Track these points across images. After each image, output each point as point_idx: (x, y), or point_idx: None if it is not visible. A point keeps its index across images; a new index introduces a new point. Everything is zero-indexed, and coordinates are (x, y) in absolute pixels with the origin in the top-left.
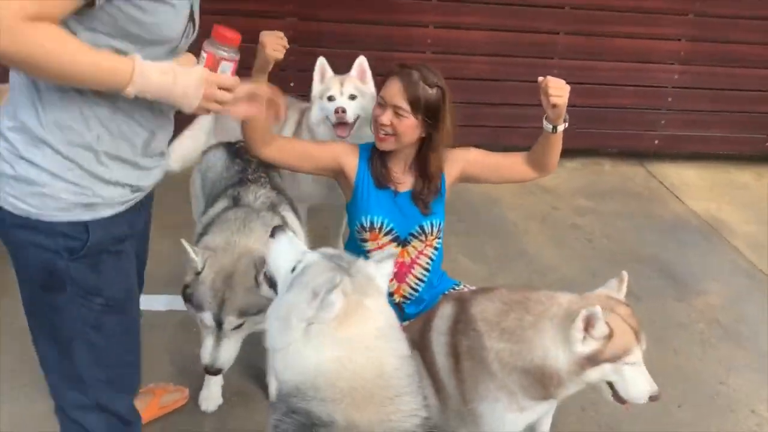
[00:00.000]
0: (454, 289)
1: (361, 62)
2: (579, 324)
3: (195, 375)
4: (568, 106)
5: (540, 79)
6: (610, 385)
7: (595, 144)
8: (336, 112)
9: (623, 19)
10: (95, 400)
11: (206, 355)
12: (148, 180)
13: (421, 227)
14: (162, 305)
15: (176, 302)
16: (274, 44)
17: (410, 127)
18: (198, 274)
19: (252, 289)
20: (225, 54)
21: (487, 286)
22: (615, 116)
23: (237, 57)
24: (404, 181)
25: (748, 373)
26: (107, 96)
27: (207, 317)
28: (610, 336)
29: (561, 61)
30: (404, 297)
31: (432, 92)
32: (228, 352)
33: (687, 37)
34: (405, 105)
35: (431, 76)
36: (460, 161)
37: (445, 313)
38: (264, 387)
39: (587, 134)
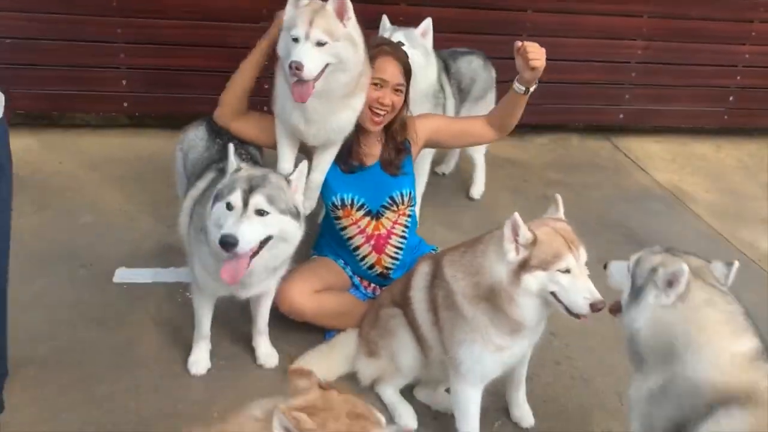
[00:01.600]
0: (432, 252)
1: None
2: (506, 233)
3: (182, 344)
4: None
5: (517, 43)
6: (558, 299)
7: (563, 120)
8: (290, 67)
9: None
10: None
11: (228, 226)
12: None
13: (392, 198)
14: (148, 278)
15: (161, 275)
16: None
17: (402, 100)
18: (236, 171)
19: (283, 189)
20: None
21: None
22: (582, 92)
23: None
24: (371, 153)
25: None
26: None
27: (236, 196)
28: (534, 242)
29: (529, 38)
30: (386, 268)
31: (408, 60)
32: (248, 229)
33: (649, 14)
34: (403, 80)
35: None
36: (426, 130)
37: (422, 271)
38: (251, 351)
39: (555, 110)
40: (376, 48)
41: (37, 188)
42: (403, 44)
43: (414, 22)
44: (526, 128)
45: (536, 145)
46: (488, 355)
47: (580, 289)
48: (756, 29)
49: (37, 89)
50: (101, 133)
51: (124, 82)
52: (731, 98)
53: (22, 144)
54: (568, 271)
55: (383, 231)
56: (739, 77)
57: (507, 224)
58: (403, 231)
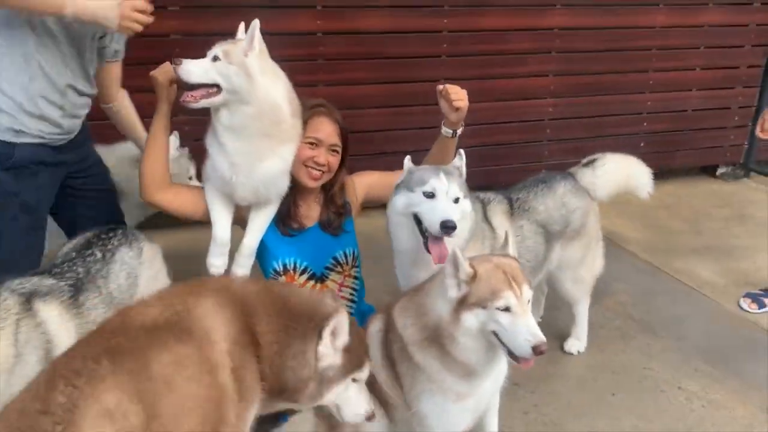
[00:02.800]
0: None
1: (254, 26)
2: (448, 269)
3: None
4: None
5: (439, 87)
6: (500, 340)
7: (488, 181)
8: (175, 63)
9: (497, 61)
10: None
11: None
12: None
13: (335, 259)
14: None
15: None
16: (164, 71)
17: (338, 160)
18: None
19: None
20: None
21: None
22: (502, 153)
23: None
24: (309, 215)
25: (667, 355)
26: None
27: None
28: (474, 277)
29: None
30: None
31: (343, 123)
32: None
33: (554, 72)
34: (339, 141)
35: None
36: (363, 187)
37: (374, 330)
38: None
39: (479, 173)
40: (312, 108)
41: None
42: (458, 199)
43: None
44: None
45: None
46: (451, 405)
47: (520, 330)
48: (653, 78)
49: None
50: None
51: None
52: (642, 144)
53: None
54: (508, 309)
55: None
56: (645, 123)
57: (448, 259)
58: (351, 294)
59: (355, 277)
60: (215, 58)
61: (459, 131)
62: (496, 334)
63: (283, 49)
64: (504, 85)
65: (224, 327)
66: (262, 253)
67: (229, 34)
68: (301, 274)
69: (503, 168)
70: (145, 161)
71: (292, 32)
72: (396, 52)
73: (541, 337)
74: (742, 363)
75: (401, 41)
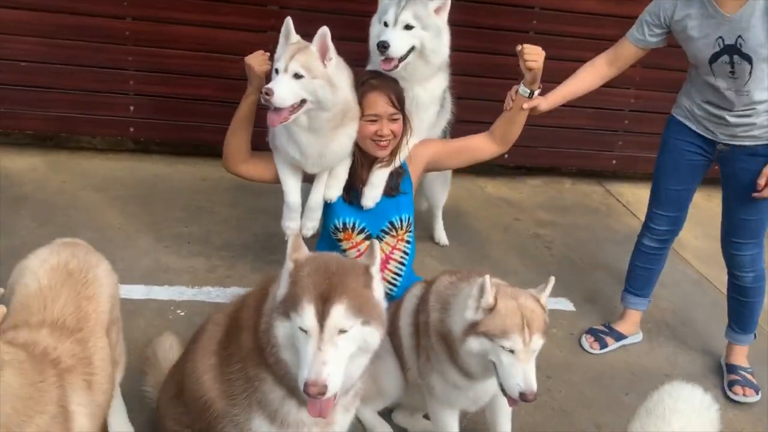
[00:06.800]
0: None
1: (324, 34)
2: (474, 291)
3: None
4: (531, 125)
5: (518, 46)
6: (496, 371)
7: (556, 163)
8: (263, 92)
9: (585, 45)
10: None
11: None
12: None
13: (391, 223)
14: (140, 294)
15: (154, 292)
16: (260, 62)
17: (401, 125)
18: None
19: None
20: None
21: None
22: (574, 136)
23: None
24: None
25: (692, 368)
26: None
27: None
28: (491, 309)
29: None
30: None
31: (397, 85)
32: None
33: (641, 64)
34: (396, 108)
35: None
36: (423, 157)
37: (413, 294)
38: None
39: (548, 153)
40: (363, 85)
41: (40, 206)
42: (411, 26)
43: None
44: (520, 170)
45: (529, 186)
46: (451, 389)
47: (516, 373)
48: None
49: (47, 111)
50: (106, 157)
51: (131, 107)
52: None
53: (29, 163)
54: (512, 351)
55: (382, 255)
56: None
57: (476, 283)
58: (402, 257)
59: (408, 242)
60: (297, 76)
61: (537, 92)
62: (493, 364)
63: None
64: None
65: None
66: (326, 208)
67: None
68: (359, 233)
69: (574, 151)
70: (232, 138)
71: None
72: (489, 23)
73: (532, 387)
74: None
75: (492, 12)
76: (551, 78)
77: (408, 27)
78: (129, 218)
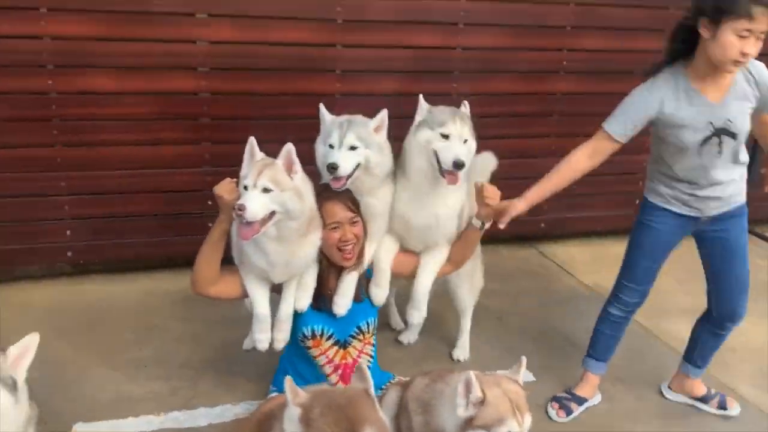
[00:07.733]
0: (390, 382)
1: (289, 150)
2: (460, 389)
3: None
4: None
5: (477, 182)
6: None
7: (490, 233)
8: (235, 208)
9: (501, 123)
10: None
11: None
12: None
13: (359, 328)
14: (107, 430)
15: (120, 426)
16: (229, 190)
17: (362, 227)
18: None
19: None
20: None
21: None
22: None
23: None
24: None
25: (650, 420)
26: None
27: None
28: (482, 402)
29: None
30: None
31: (350, 192)
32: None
33: (555, 135)
34: (354, 213)
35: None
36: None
37: (389, 400)
38: None
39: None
40: (319, 196)
41: None
42: (356, 147)
43: None
44: None
45: None
46: None
47: None
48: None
49: None
50: (44, 285)
51: (68, 232)
52: (637, 201)
53: None
54: None
55: (350, 360)
56: (640, 183)
57: (462, 380)
58: (369, 360)
59: (372, 344)
60: (266, 190)
61: (487, 225)
62: None
63: None
64: (508, 143)
65: None
66: (294, 317)
67: None
68: (327, 339)
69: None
70: (204, 264)
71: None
72: None
73: None
74: None
75: None
76: None
77: (353, 147)
78: (78, 350)
